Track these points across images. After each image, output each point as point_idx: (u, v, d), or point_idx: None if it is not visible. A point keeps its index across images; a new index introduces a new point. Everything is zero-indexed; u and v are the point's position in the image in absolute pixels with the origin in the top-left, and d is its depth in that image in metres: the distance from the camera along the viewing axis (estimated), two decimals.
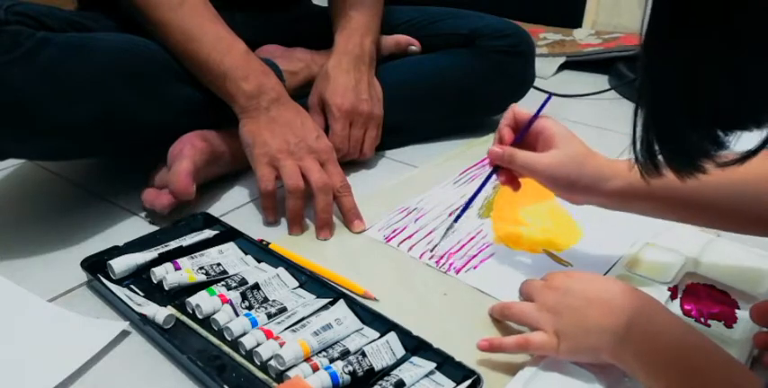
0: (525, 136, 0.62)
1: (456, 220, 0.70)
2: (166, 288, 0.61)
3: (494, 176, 0.64)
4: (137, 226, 0.74)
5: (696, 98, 0.29)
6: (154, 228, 0.73)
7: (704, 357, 0.44)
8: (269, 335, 0.54)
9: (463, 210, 0.68)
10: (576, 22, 1.58)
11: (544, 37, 1.51)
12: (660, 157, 0.31)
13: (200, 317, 0.58)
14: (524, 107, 0.63)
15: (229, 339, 0.55)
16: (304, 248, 0.70)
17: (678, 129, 0.30)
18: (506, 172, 0.63)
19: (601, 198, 0.59)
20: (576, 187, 0.58)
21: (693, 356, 0.45)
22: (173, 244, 0.66)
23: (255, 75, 0.75)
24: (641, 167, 0.32)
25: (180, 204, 0.74)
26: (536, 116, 0.61)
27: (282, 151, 0.73)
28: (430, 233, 0.74)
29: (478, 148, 0.96)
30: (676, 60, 0.28)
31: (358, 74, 0.85)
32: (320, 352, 0.53)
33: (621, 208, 0.60)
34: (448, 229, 0.71)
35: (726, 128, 0.29)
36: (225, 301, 0.58)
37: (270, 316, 0.57)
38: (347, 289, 0.62)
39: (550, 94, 0.67)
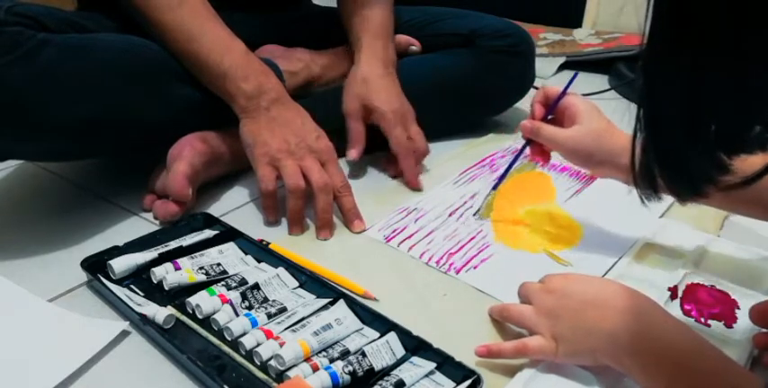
0: (555, 112, 0.67)
1: (495, 187, 0.75)
2: (166, 288, 0.61)
3: (527, 149, 0.70)
4: (137, 226, 0.74)
5: (698, 119, 0.28)
6: (154, 228, 0.73)
7: (702, 359, 0.44)
8: (269, 335, 0.54)
9: (502, 177, 0.74)
10: (576, 22, 1.58)
11: (544, 37, 1.51)
12: (659, 180, 0.30)
13: (200, 317, 0.58)
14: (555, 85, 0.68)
15: (229, 339, 0.55)
16: (304, 248, 0.70)
17: (679, 152, 0.29)
18: (537, 146, 0.69)
19: (617, 172, 0.63)
20: (593, 160, 0.64)
21: (691, 357, 0.45)
22: (173, 244, 0.67)
23: (255, 75, 0.75)
24: (640, 191, 0.32)
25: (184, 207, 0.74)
26: (563, 93, 0.67)
27: (283, 151, 0.73)
28: (430, 233, 0.74)
29: (478, 148, 0.96)
30: (677, 80, 0.27)
31: (390, 76, 0.86)
32: (320, 352, 0.53)
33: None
34: (487, 196, 0.76)
35: (729, 151, 0.28)
36: (225, 301, 0.58)
37: (270, 316, 0.57)
38: (347, 289, 0.62)
39: (576, 72, 0.71)
